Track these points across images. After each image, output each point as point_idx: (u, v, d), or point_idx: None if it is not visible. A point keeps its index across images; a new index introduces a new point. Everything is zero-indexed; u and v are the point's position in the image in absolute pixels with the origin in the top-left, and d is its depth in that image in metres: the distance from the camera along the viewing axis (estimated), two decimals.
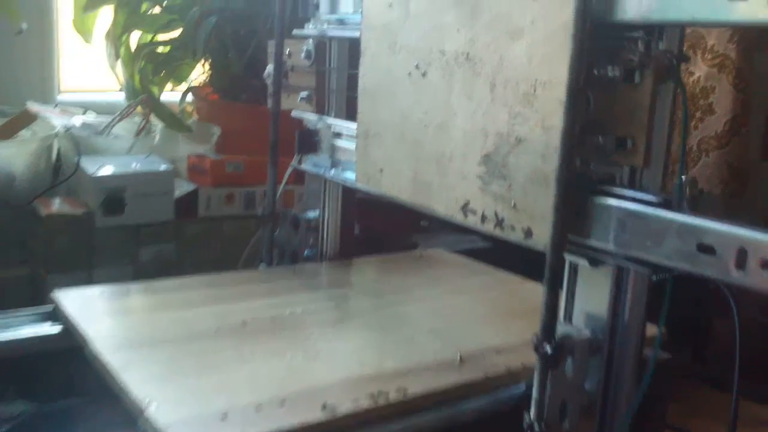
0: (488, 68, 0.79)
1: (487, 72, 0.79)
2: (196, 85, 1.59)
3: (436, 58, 0.86)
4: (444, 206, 0.87)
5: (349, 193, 1.08)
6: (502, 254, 1.09)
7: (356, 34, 0.98)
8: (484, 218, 0.81)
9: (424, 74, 0.88)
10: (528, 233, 0.76)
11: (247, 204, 1.30)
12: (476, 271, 1.05)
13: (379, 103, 0.95)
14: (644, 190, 0.63)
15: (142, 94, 1.49)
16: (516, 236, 0.77)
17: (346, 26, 1.02)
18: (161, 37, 1.54)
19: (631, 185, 0.63)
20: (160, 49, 1.55)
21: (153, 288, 0.91)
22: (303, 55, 1.04)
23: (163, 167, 1.29)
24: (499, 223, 0.79)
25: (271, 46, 1.13)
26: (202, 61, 1.56)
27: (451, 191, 0.86)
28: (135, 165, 1.29)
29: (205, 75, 1.57)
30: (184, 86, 1.62)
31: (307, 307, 0.86)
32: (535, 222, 0.75)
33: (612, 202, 0.63)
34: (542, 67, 0.73)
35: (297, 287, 0.94)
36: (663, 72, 0.58)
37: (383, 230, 1.43)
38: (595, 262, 0.65)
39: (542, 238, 0.74)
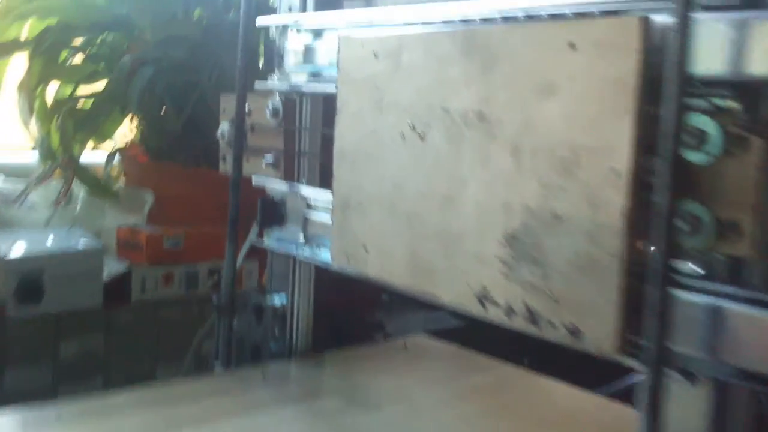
0: (509, 131, 0.66)
1: (507, 135, 0.66)
2: (124, 144, 1.39)
3: (438, 118, 0.72)
4: (453, 294, 0.72)
5: (323, 274, 0.92)
6: (479, 334, 0.96)
7: (333, 89, 0.84)
8: (510, 311, 0.67)
9: (422, 136, 0.74)
10: (574, 332, 0.62)
11: (189, 284, 1.11)
12: (475, 366, 0.90)
13: (361, 168, 0.81)
14: (747, 286, 0.50)
15: (58, 154, 1.29)
16: (558, 335, 0.63)
17: (321, 80, 0.87)
18: (84, 89, 1.35)
19: (732, 279, 0.50)
20: (81, 103, 1.36)
21: (90, 410, 0.71)
22: (269, 112, 0.89)
23: (89, 245, 1.09)
24: (533, 318, 0.65)
25: (225, 102, 0.97)
26: (130, 116, 1.37)
27: (461, 276, 0.71)
28: (55, 242, 1.08)
29: (135, 133, 1.39)
30: (108, 144, 1.43)
31: (292, 430, 0.68)
32: (583, 318, 0.61)
33: (710, 300, 0.50)
34: (587, 131, 0.60)
35: (272, 400, 0.76)
36: None
37: (341, 306, 1.27)
38: (690, 377, 0.51)
39: (595, 338, 0.61)
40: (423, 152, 0.74)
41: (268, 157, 0.90)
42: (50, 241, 1.08)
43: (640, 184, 0.56)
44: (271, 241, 0.93)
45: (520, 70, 0.65)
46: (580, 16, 0.62)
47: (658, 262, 0.48)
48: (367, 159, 0.80)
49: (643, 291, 0.55)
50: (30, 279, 1.01)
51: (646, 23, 0.55)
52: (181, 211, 1.21)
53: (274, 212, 0.92)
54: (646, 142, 0.56)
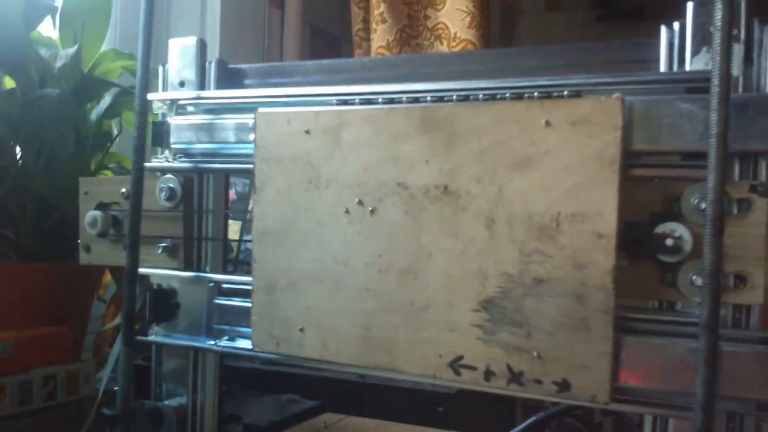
0: (481, 202, 0.70)
1: (479, 207, 0.70)
2: None
3: (391, 193, 0.74)
4: (418, 366, 0.73)
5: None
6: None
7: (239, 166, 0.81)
8: (489, 374, 0.69)
9: (372, 211, 0.74)
10: (563, 386, 0.67)
11: (23, 398, 0.93)
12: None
13: (291, 248, 0.78)
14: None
15: None
16: (543, 390, 0.67)
17: (224, 159, 0.83)
18: None
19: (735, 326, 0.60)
20: None
21: None
22: (164, 194, 0.81)
23: None
24: (516, 377, 0.68)
25: (86, 185, 0.86)
26: None
27: (429, 346, 0.72)
28: None
29: None
30: None
31: None
32: (572, 372, 0.66)
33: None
34: (568, 199, 0.67)
35: None
36: None
37: None
38: None
39: (585, 389, 0.66)
40: (373, 227, 0.74)
41: (165, 243, 0.81)
42: None
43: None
44: (161, 336, 0.83)
45: (489, 147, 0.69)
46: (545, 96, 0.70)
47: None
48: (300, 237, 0.77)
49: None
50: None
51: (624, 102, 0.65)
52: None
53: (166, 305, 0.83)
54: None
